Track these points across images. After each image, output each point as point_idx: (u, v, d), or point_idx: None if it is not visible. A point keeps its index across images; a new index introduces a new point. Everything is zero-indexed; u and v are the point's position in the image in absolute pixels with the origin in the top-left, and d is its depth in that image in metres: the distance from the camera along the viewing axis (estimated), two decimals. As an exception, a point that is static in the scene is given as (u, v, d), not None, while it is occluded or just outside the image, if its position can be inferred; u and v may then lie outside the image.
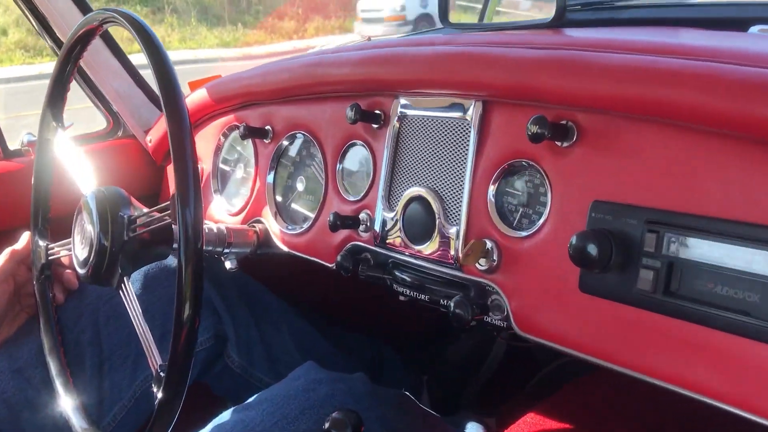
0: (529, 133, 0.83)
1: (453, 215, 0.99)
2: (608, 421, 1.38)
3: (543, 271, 0.87)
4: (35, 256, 1.32)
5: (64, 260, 1.34)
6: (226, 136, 1.47)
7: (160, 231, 1.15)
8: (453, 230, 0.98)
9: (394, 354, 1.76)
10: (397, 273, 1.08)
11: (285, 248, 1.29)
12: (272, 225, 1.32)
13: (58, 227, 1.38)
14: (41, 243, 1.32)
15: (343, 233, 1.16)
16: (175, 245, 1.19)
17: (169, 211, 1.00)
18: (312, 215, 1.24)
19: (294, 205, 1.31)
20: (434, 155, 1.03)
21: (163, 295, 1.38)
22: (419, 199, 1.04)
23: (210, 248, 1.28)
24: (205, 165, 1.51)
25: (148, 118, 1.71)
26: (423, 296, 1.03)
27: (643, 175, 0.78)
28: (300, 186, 1.30)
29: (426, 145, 1.04)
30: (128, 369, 1.33)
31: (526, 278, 0.89)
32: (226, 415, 1.12)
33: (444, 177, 1.01)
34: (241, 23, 15.15)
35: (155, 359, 1.01)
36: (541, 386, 1.82)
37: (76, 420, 1.15)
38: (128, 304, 1.07)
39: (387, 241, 1.08)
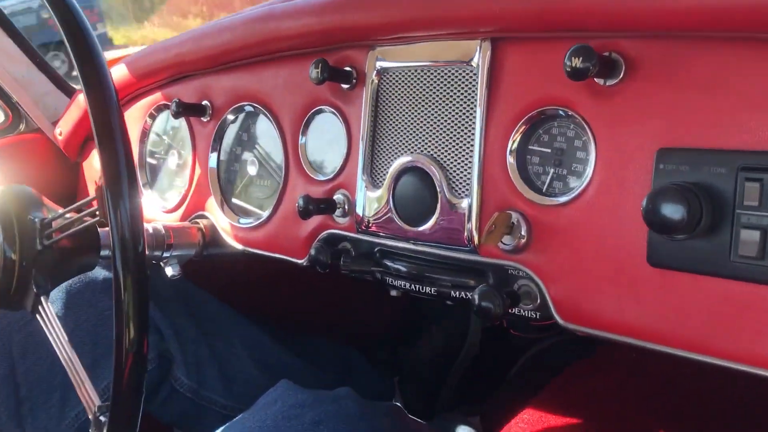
0: (570, 68, 0.64)
1: (461, 186, 0.80)
2: (616, 410, 1.23)
3: (591, 245, 0.69)
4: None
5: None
6: (153, 117, 1.23)
7: (83, 235, 0.92)
8: (464, 204, 0.78)
9: (361, 357, 1.57)
10: (389, 263, 0.88)
11: (239, 246, 1.07)
12: (220, 219, 1.10)
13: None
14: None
15: (315, 221, 0.95)
16: (104, 252, 0.96)
17: (95, 208, 0.77)
18: (270, 204, 1.02)
19: (245, 194, 1.09)
20: (428, 115, 0.83)
21: (91, 315, 1.14)
22: (413, 170, 0.84)
23: (147, 252, 1.04)
24: (129, 156, 1.27)
25: (55, 107, 1.44)
26: (427, 289, 0.84)
27: (729, 110, 0.60)
28: (251, 169, 1.07)
29: (416, 105, 0.84)
30: (54, 407, 1.09)
31: (568, 256, 0.71)
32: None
33: (444, 140, 0.81)
34: (146, 21, 14.57)
35: (91, 399, 0.78)
36: (523, 375, 1.67)
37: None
38: (49, 329, 0.84)
39: (373, 226, 0.88)
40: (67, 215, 0.88)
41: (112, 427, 0.71)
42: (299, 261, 0.98)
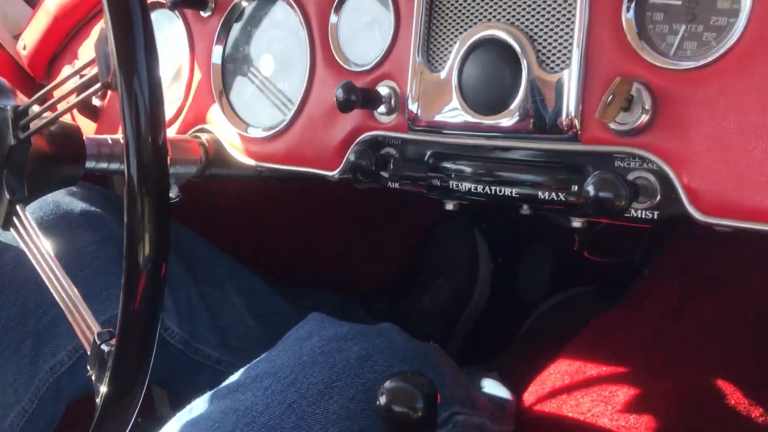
0: None
1: (556, 57, 0.63)
2: (659, 359, 1.10)
3: (742, 115, 0.54)
4: None
5: None
6: (140, 19, 1.04)
7: (65, 136, 0.74)
8: (561, 78, 0.62)
9: (362, 311, 1.42)
10: (449, 165, 0.72)
11: (250, 161, 0.90)
12: (225, 131, 0.92)
13: None
14: None
15: (351, 122, 0.78)
16: (91, 163, 0.79)
17: (94, 71, 0.58)
18: (290, 108, 0.85)
19: (257, 101, 0.91)
20: (505, -26, 0.66)
21: (69, 253, 0.96)
22: (485, 44, 0.67)
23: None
24: (109, 68, 1.08)
25: (17, 17, 1.23)
26: (505, 190, 0.68)
27: None
28: (265, 68, 0.90)
29: (488, -37, 0.67)
30: (26, 358, 0.92)
31: (708, 131, 0.55)
32: (200, 405, 0.73)
33: (528, 2, 0.65)
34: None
35: (88, 325, 0.61)
36: (539, 331, 1.54)
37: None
38: (28, 244, 0.66)
39: (432, 121, 0.71)
40: (45, 106, 0.70)
41: (120, 356, 0.54)
42: (330, 173, 0.81)
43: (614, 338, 1.19)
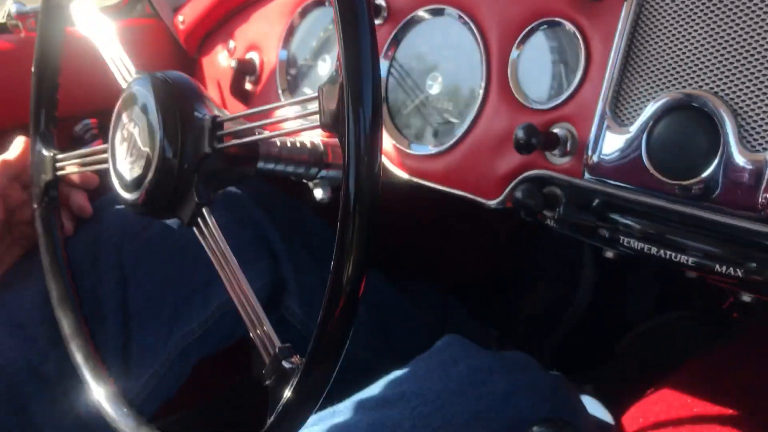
0: None
1: (759, 136, 0.63)
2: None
3: None
4: (36, 169, 0.93)
5: (75, 178, 0.96)
6: (304, 15, 1.06)
7: (248, 144, 0.78)
8: (766, 158, 0.62)
9: (460, 304, 1.44)
10: (621, 219, 0.72)
11: (405, 176, 0.92)
12: (384, 143, 0.94)
13: (67, 131, 1.00)
14: (45, 152, 0.93)
15: (518, 156, 0.79)
16: (262, 164, 0.82)
17: (309, 112, 0.60)
18: (452, 131, 0.86)
19: (416, 117, 0.93)
20: (715, 38, 0.65)
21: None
22: (683, 110, 0.66)
23: (301, 170, 0.89)
24: (266, 57, 1.10)
25: (176, -9, 1.27)
26: (682, 258, 0.68)
27: None
28: (433, 88, 0.91)
29: (696, 22, 0.66)
30: (163, 325, 0.98)
31: None
32: (345, 411, 0.77)
33: (738, 74, 0.64)
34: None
35: (268, 336, 0.64)
36: (640, 351, 1.53)
37: (107, 402, 0.78)
38: (209, 243, 0.70)
39: (610, 171, 0.71)
40: (241, 120, 0.73)
41: (306, 372, 0.58)
42: (489, 201, 0.82)
43: (725, 377, 1.17)
